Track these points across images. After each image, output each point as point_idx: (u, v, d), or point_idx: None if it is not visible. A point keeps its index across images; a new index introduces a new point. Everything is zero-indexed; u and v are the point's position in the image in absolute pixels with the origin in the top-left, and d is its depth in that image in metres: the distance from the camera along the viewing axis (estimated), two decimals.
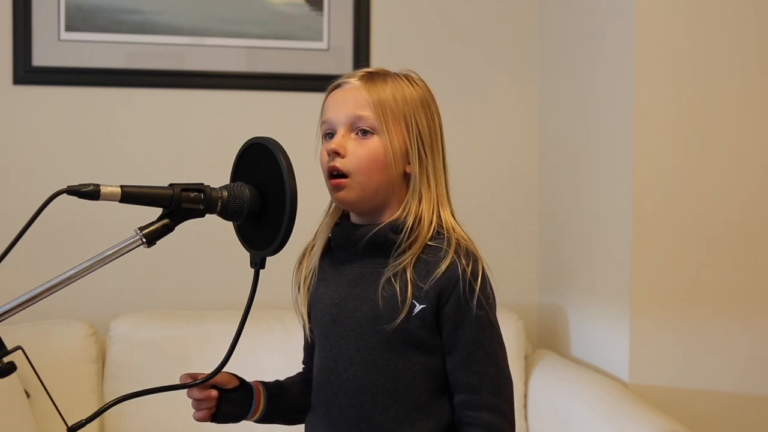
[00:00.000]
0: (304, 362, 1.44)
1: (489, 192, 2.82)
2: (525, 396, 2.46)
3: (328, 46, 2.70)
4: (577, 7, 2.60)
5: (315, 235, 1.35)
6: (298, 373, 1.44)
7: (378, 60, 2.70)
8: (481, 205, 2.79)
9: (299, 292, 1.35)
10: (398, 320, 1.20)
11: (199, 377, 1.23)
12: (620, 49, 2.30)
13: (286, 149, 1.10)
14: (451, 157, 1.31)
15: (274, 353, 2.38)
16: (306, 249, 1.37)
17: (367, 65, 2.65)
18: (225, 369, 1.16)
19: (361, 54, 2.68)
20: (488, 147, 2.82)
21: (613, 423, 2.02)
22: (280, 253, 1.10)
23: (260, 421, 1.35)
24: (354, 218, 1.31)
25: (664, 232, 2.25)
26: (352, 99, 1.25)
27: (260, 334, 2.40)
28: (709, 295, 2.28)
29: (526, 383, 2.47)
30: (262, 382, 1.37)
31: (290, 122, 2.48)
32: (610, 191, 2.37)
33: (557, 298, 2.72)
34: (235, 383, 1.31)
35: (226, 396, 1.29)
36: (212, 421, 1.30)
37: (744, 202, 2.29)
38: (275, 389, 1.36)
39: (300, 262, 1.37)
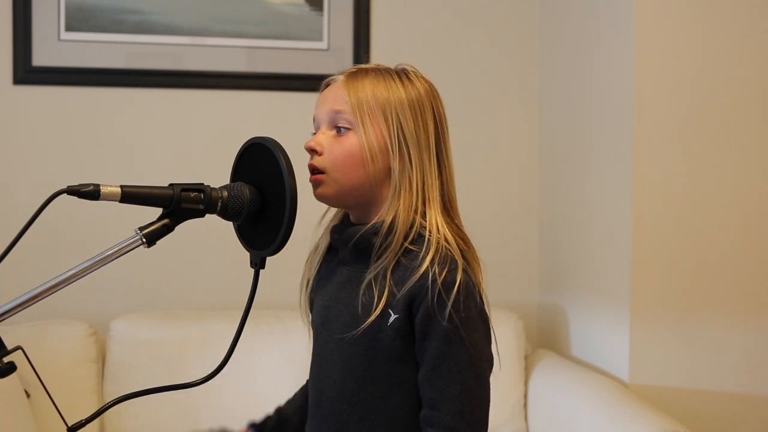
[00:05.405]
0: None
1: (489, 192, 2.82)
2: (525, 396, 2.46)
3: (328, 46, 2.70)
4: (576, 7, 2.60)
5: (321, 237, 1.34)
6: (302, 388, 1.39)
7: (378, 60, 2.69)
8: (481, 204, 2.79)
9: (302, 295, 1.34)
10: (364, 325, 1.16)
11: None
12: (620, 49, 2.30)
13: (286, 149, 1.10)
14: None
15: (274, 353, 2.38)
16: (312, 251, 1.34)
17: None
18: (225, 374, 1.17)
19: (361, 54, 2.68)
20: (488, 147, 2.82)
21: (613, 423, 2.02)
22: (280, 253, 1.10)
23: None
24: (351, 217, 1.29)
25: (664, 233, 2.25)
26: (332, 96, 1.24)
27: (260, 334, 2.40)
28: (709, 296, 2.28)
29: (526, 383, 2.47)
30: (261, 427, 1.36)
31: (290, 122, 2.47)
32: (610, 191, 2.37)
33: (557, 298, 2.72)
34: None
35: None
36: None
37: (744, 202, 2.29)
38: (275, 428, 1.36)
39: (306, 264, 1.35)
